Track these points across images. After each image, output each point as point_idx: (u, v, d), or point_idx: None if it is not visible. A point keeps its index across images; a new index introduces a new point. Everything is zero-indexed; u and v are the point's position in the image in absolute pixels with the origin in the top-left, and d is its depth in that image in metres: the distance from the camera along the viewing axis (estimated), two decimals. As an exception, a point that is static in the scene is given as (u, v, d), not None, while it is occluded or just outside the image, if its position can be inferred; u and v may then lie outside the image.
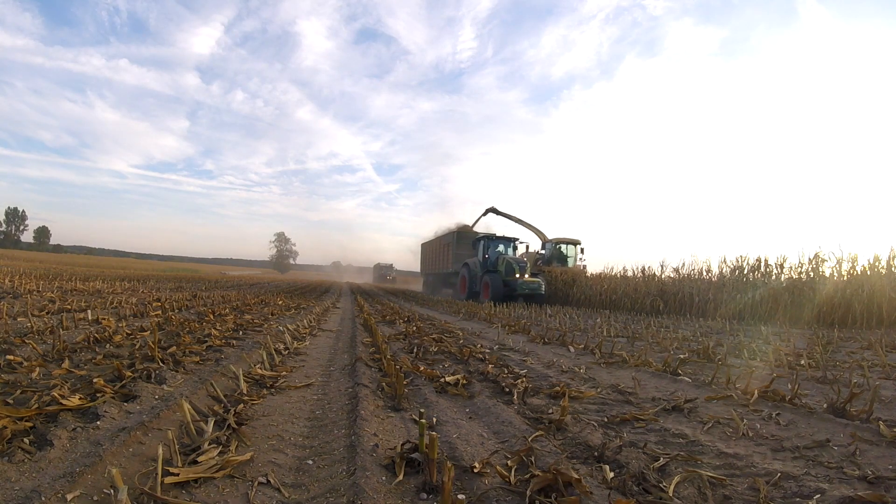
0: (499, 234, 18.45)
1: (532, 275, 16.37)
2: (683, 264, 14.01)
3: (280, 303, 9.86)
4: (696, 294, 12.15)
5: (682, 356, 4.09)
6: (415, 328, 6.37)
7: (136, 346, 3.65)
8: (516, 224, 21.32)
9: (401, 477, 1.72)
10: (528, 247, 18.75)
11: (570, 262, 18.82)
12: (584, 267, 18.52)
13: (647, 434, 2.29)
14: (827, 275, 10.11)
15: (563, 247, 19.08)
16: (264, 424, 2.27)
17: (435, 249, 24.56)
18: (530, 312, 9.96)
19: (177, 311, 6.98)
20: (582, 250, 18.95)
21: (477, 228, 22.60)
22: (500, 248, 17.45)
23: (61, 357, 3.18)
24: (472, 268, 17.56)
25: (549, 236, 19.94)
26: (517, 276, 15.65)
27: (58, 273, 17.47)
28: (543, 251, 19.50)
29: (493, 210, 22.25)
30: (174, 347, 3.60)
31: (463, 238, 21.13)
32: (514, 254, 17.62)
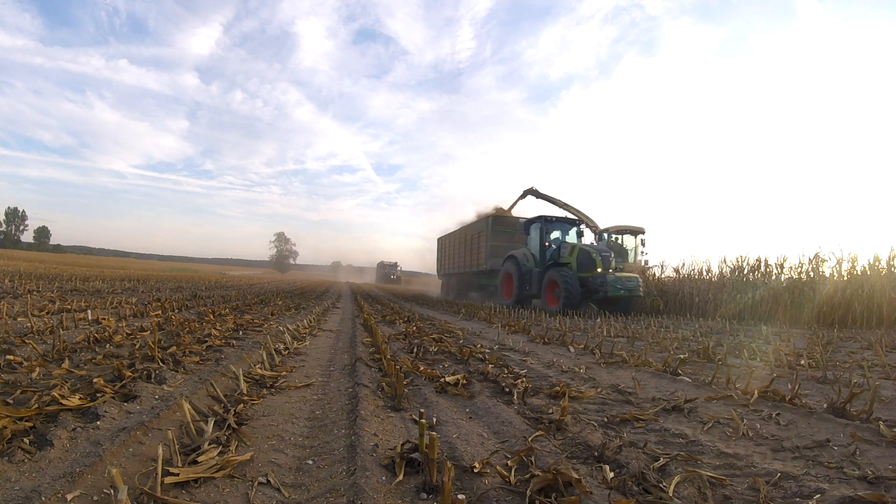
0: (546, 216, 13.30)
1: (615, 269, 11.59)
2: (683, 264, 13.97)
3: (280, 303, 9.86)
4: (696, 294, 12.15)
5: (682, 356, 4.09)
6: (415, 328, 6.37)
7: (136, 346, 3.65)
8: (560, 209, 16.14)
9: (401, 477, 1.72)
10: (597, 236, 14.16)
11: (631, 257, 14.83)
12: (646, 262, 14.53)
13: (647, 434, 2.29)
14: (827, 275, 10.12)
15: (622, 237, 14.86)
16: (264, 424, 2.27)
17: (459, 243, 19.11)
18: (531, 313, 9.96)
19: (177, 311, 6.97)
20: (643, 242, 14.73)
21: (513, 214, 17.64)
22: (556, 234, 12.89)
23: (61, 357, 3.18)
24: (523, 262, 12.79)
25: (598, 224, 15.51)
26: (599, 269, 10.97)
27: (58, 273, 17.46)
28: (597, 243, 14.64)
29: (533, 192, 17.30)
30: (174, 347, 3.59)
31: (500, 225, 16.04)
32: (580, 241, 12.78)
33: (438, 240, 22.85)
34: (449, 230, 21.29)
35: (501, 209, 18.07)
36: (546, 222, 12.66)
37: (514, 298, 12.89)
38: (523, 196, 17.81)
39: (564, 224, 13.06)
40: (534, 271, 12.42)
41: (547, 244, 12.41)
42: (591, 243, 13.10)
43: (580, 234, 13.02)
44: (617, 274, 11.17)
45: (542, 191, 17.25)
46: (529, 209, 20.88)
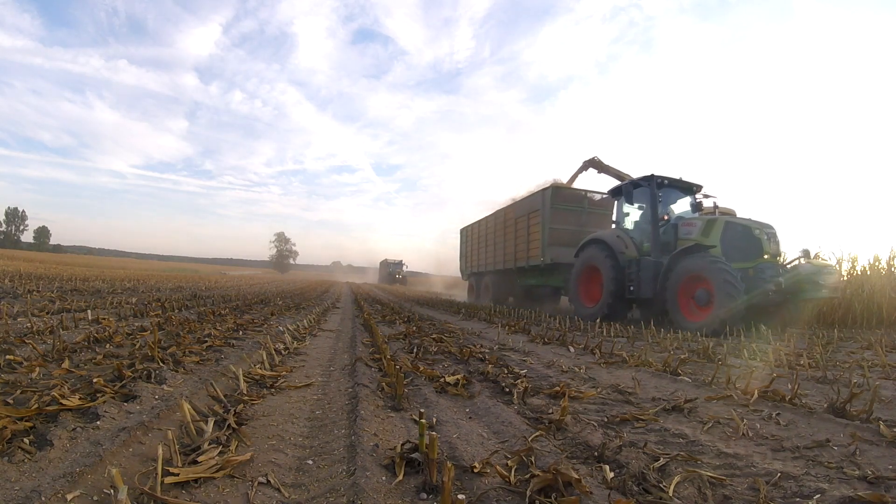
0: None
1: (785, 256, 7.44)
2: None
3: (280, 303, 9.86)
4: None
5: (682, 356, 4.09)
6: (415, 328, 6.37)
7: (136, 346, 3.65)
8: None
9: (401, 477, 1.72)
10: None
11: None
12: None
13: (647, 434, 2.29)
14: (827, 274, 10.09)
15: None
16: (264, 424, 2.27)
17: (496, 231, 14.13)
18: (530, 312, 9.96)
19: (177, 310, 6.98)
20: None
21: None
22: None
23: (61, 357, 3.18)
24: (618, 248, 8.41)
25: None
26: (766, 256, 6.83)
27: (58, 273, 17.46)
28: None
29: (595, 164, 13.38)
30: (174, 347, 3.60)
31: (563, 201, 11.31)
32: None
33: (462, 230, 17.83)
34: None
35: (561, 182, 13.48)
36: (657, 186, 8.13)
37: (605, 306, 8.41)
38: (584, 168, 13.74)
39: (675, 190, 8.48)
40: (642, 261, 7.90)
41: (665, 217, 8.09)
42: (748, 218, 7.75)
43: (697, 208, 8.39)
44: (811, 261, 7.02)
45: (605, 162, 13.14)
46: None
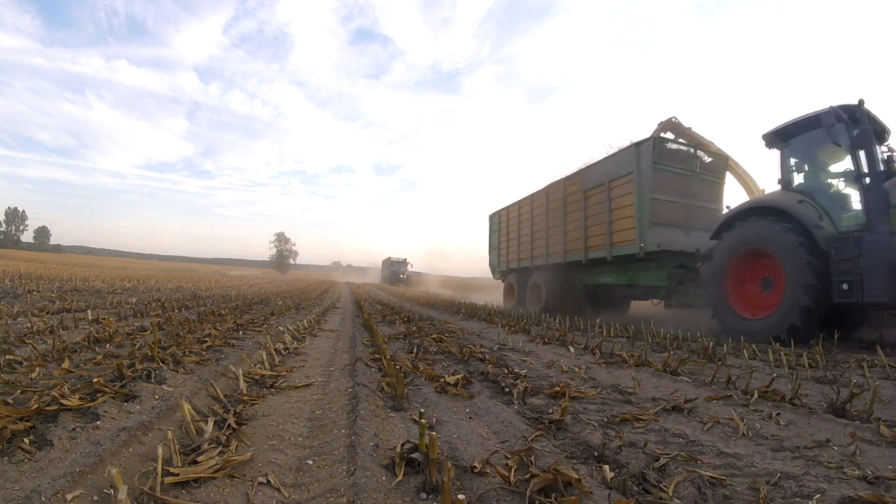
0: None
1: None
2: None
3: (280, 303, 9.86)
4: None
5: (682, 356, 4.09)
6: (415, 328, 6.37)
7: (136, 346, 3.65)
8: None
9: (401, 477, 1.72)
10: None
11: None
12: None
13: (647, 434, 2.29)
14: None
15: None
16: (264, 424, 2.27)
17: (547, 212, 10.57)
18: (530, 313, 9.94)
19: (177, 311, 6.98)
20: None
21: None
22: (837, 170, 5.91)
23: (61, 357, 3.18)
24: (812, 221, 5.40)
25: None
26: None
27: (58, 273, 17.46)
28: None
29: (673, 126, 10.72)
30: (174, 347, 3.60)
31: (669, 161, 7.63)
32: None
33: (493, 216, 13.83)
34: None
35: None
36: (868, 119, 5.44)
37: (795, 314, 5.36)
38: (661, 131, 10.85)
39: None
40: (866, 241, 5.00)
41: None
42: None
43: (888, 164, 5.45)
44: None
45: (685, 124, 10.46)
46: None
